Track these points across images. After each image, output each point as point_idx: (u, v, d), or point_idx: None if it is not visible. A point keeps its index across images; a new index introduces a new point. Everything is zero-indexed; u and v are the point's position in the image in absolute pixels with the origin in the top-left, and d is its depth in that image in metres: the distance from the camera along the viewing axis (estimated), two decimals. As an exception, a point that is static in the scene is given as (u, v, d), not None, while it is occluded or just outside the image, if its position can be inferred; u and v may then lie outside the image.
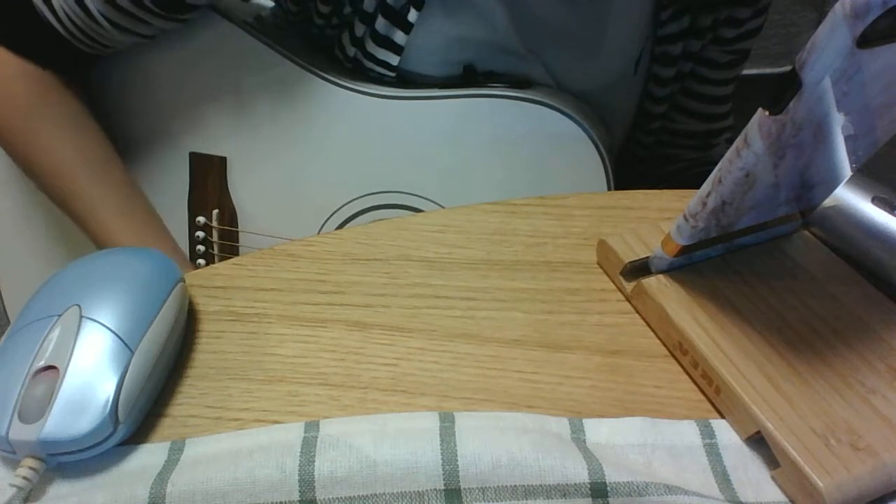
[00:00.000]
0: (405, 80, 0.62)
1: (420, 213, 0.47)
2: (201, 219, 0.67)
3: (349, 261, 0.42)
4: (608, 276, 0.41)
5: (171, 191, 0.66)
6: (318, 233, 0.65)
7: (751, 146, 0.30)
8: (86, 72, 0.62)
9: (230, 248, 0.69)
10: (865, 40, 0.26)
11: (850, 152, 0.34)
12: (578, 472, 0.30)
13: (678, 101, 0.71)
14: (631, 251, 0.39)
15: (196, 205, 0.67)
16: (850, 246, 0.39)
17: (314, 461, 0.30)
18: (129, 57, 0.62)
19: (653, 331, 0.38)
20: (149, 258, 0.37)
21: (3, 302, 0.71)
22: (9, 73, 0.55)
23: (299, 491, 0.30)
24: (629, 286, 0.39)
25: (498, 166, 0.61)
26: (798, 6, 1.42)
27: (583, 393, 0.35)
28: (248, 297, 0.39)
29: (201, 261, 0.69)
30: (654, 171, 0.77)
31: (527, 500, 0.30)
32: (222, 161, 0.65)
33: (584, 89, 0.64)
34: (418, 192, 0.63)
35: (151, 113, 0.65)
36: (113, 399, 0.31)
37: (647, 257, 0.39)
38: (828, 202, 0.39)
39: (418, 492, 0.30)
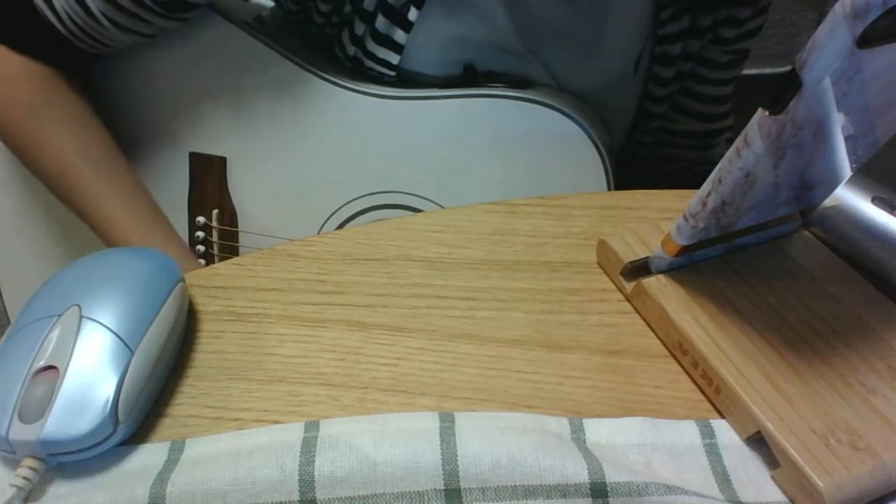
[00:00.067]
0: (405, 79, 0.62)
1: (420, 213, 0.47)
2: (201, 219, 0.67)
3: (349, 261, 0.42)
4: (608, 276, 0.41)
5: (171, 191, 0.66)
6: (318, 233, 0.65)
7: (751, 146, 0.30)
8: (88, 71, 0.62)
9: (230, 248, 0.69)
10: (865, 40, 0.26)
11: (850, 152, 0.34)
12: (578, 472, 0.30)
13: (678, 102, 0.71)
14: (631, 251, 0.39)
15: (196, 205, 0.67)
16: (850, 246, 0.39)
17: (314, 461, 0.30)
18: (130, 57, 0.62)
19: (653, 331, 0.38)
20: (149, 258, 0.37)
21: (3, 302, 0.71)
22: (11, 72, 0.55)
23: (299, 491, 0.30)
24: (629, 286, 0.39)
25: (498, 166, 0.61)
26: (798, 6, 1.42)
27: (583, 393, 0.35)
28: (248, 297, 0.39)
29: (201, 261, 0.69)
30: (653, 170, 0.77)
31: (527, 500, 0.30)
32: (222, 161, 0.65)
33: (584, 89, 0.64)
34: (418, 192, 0.63)
35: (151, 113, 0.65)
36: (113, 399, 0.31)
37: (647, 257, 0.39)
38: (828, 202, 0.39)
39: (418, 492, 0.30)
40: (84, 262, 0.36)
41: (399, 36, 0.58)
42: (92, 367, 0.31)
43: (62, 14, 0.54)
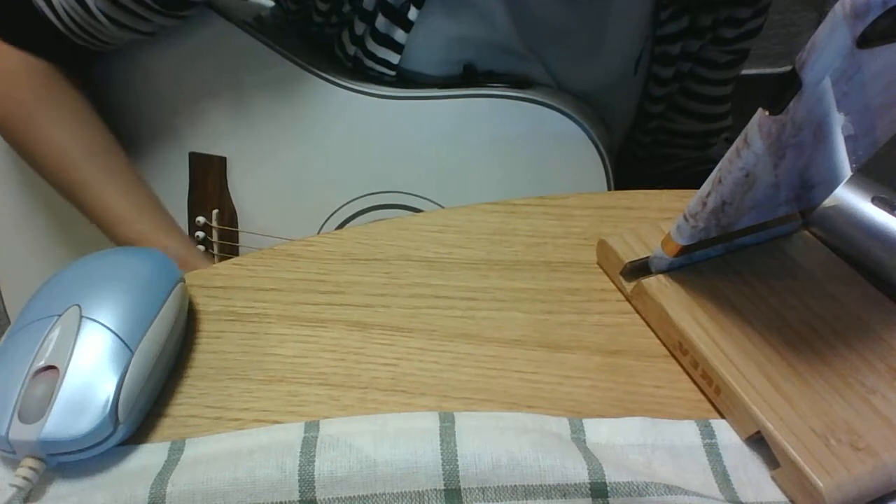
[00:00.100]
0: (405, 79, 0.62)
1: (420, 213, 0.47)
2: (201, 219, 0.67)
3: (349, 261, 0.42)
4: (608, 276, 0.41)
5: (171, 191, 0.66)
6: (318, 233, 0.65)
7: (751, 146, 0.30)
8: (87, 67, 0.62)
9: (230, 248, 0.69)
10: (865, 40, 0.26)
11: (850, 152, 0.34)
12: (578, 472, 0.30)
13: (677, 102, 0.71)
14: (631, 251, 0.39)
15: (196, 205, 0.67)
16: (850, 246, 0.39)
17: (314, 461, 0.30)
18: (130, 57, 0.62)
19: (653, 331, 0.38)
20: (149, 258, 0.37)
21: (3, 302, 0.71)
22: (10, 67, 0.55)
23: (299, 491, 0.30)
24: (629, 286, 0.39)
25: (498, 166, 0.61)
26: (798, 6, 1.42)
27: (583, 393, 0.35)
28: (248, 297, 0.39)
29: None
30: (652, 170, 0.77)
31: (527, 500, 0.30)
32: (222, 161, 0.65)
33: (584, 89, 0.64)
34: (418, 192, 0.63)
35: (151, 113, 0.65)
36: (113, 399, 0.31)
37: (647, 257, 0.39)
38: (828, 202, 0.39)
39: (418, 492, 0.30)
40: (84, 262, 0.36)
41: (399, 35, 0.58)
42: (92, 367, 0.31)
43: (60, 11, 0.54)
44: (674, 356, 0.37)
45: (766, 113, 0.29)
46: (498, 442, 0.31)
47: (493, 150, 0.61)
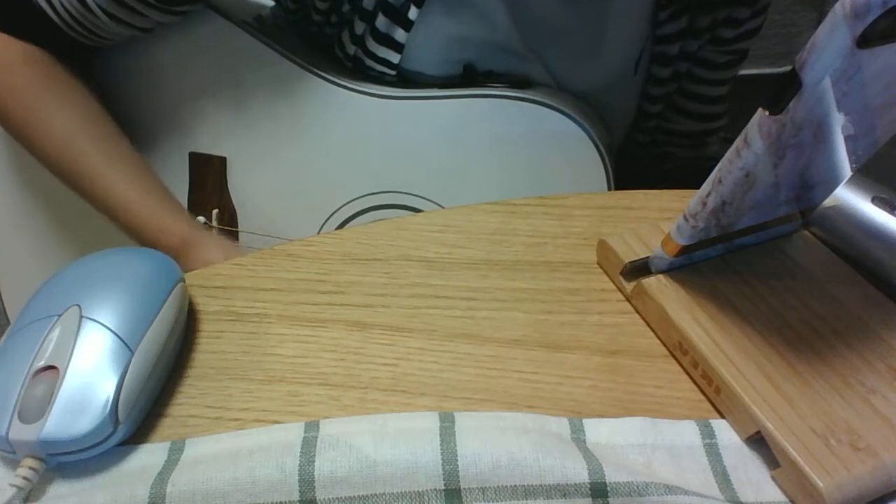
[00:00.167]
0: (405, 79, 0.62)
1: (420, 213, 0.47)
2: (201, 219, 0.67)
3: (349, 261, 0.42)
4: (608, 276, 0.41)
5: (170, 191, 0.66)
6: (318, 233, 0.65)
7: (751, 146, 0.30)
8: (87, 61, 0.62)
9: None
10: (865, 40, 0.26)
11: (850, 152, 0.34)
12: (578, 472, 0.30)
13: (674, 102, 0.71)
14: (631, 251, 0.39)
15: (196, 205, 0.67)
16: (850, 246, 0.39)
17: (314, 461, 0.30)
18: (129, 57, 0.62)
19: (653, 331, 0.38)
20: (149, 258, 0.37)
21: (2, 302, 0.71)
22: (9, 56, 0.55)
23: (299, 491, 0.30)
24: (629, 286, 0.39)
25: (498, 166, 0.61)
26: (798, 6, 1.42)
27: (583, 393, 0.35)
28: (248, 297, 0.39)
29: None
30: (651, 170, 0.77)
31: (527, 500, 0.30)
32: (222, 161, 0.65)
33: (584, 89, 0.64)
34: (418, 193, 0.63)
35: (150, 114, 0.65)
36: (113, 399, 0.31)
37: (647, 257, 0.39)
38: (828, 202, 0.39)
39: (418, 492, 0.30)
40: (84, 262, 0.36)
41: (399, 35, 0.58)
42: (92, 367, 0.31)
43: (57, 5, 0.54)
44: (674, 356, 0.37)
45: (766, 113, 0.29)
46: (498, 442, 0.31)
47: (493, 150, 0.61)
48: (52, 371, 0.31)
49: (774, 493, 0.31)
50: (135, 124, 0.65)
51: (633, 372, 0.36)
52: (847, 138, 0.32)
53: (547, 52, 0.62)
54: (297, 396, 0.34)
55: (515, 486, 0.30)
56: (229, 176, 0.66)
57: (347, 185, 0.64)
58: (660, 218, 0.44)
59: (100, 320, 0.32)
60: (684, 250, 0.37)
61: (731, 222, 0.36)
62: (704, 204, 0.33)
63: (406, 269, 0.41)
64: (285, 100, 0.62)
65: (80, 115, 0.57)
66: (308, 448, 0.31)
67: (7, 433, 0.30)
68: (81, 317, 0.32)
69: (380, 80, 0.62)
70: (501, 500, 0.30)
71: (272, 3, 0.70)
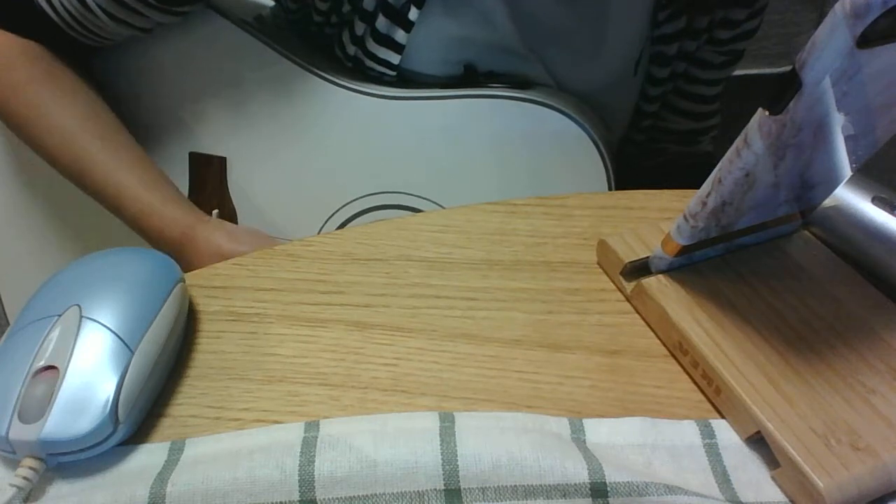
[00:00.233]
0: (405, 79, 0.62)
1: (420, 213, 0.47)
2: (201, 219, 0.67)
3: (349, 261, 0.42)
4: (608, 276, 0.41)
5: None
6: (319, 233, 0.65)
7: (751, 146, 0.30)
8: (86, 58, 0.62)
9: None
10: (865, 40, 0.26)
11: (850, 152, 0.34)
12: (578, 472, 0.30)
13: (670, 101, 0.71)
14: (631, 251, 0.39)
15: (196, 205, 0.67)
16: (850, 246, 0.39)
17: (314, 461, 0.30)
18: (128, 57, 0.62)
19: (653, 331, 0.38)
20: (149, 258, 0.37)
21: (2, 302, 0.71)
22: (12, 53, 0.55)
23: (299, 491, 0.30)
24: (629, 286, 0.39)
25: (498, 167, 0.61)
26: (798, 6, 1.42)
27: (583, 393, 0.35)
28: (248, 297, 0.39)
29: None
30: (643, 165, 0.77)
31: (527, 500, 0.30)
32: (222, 161, 0.65)
33: (584, 90, 0.64)
34: (418, 193, 0.63)
35: (150, 114, 0.65)
36: (113, 399, 0.31)
37: (647, 257, 0.39)
38: (828, 202, 0.39)
39: (418, 492, 0.30)
40: (84, 262, 0.36)
41: (400, 36, 0.58)
42: (92, 367, 0.31)
43: (58, 6, 0.54)
44: (674, 356, 0.37)
45: (766, 113, 0.29)
46: (498, 442, 0.31)
47: (493, 150, 0.61)
48: (52, 371, 0.31)
49: (774, 493, 0.31)
50: (135, 124, 0.65)
51: (633, 372, 0.36)
52: (847, 138, 0.32)
53: (547, 53, 0.62)
54: (297, 396, 0.34)
55: (515, 486, 0.30)
56: (229, 176, 0.66)
57: (348, 185, 0.63)
58: (660, 218, 0.44)
59: (100, 320, 0.32)
60: (684, 250, 0.37)
61: (731, 222, 0.36)
62: (704, 204, 0.33)
63: (406, 269, 0.41)
64: (285, 100, 0.62)
65: (82, 109, 0.57)
66: (308, 448, 0.31)
67: (7, 433, 0.30)
68: (81, 317, 0.32)
69: (380, 80, 0.62)
70: (501, 500, 0.30)
71: (272, 3, 0.70)
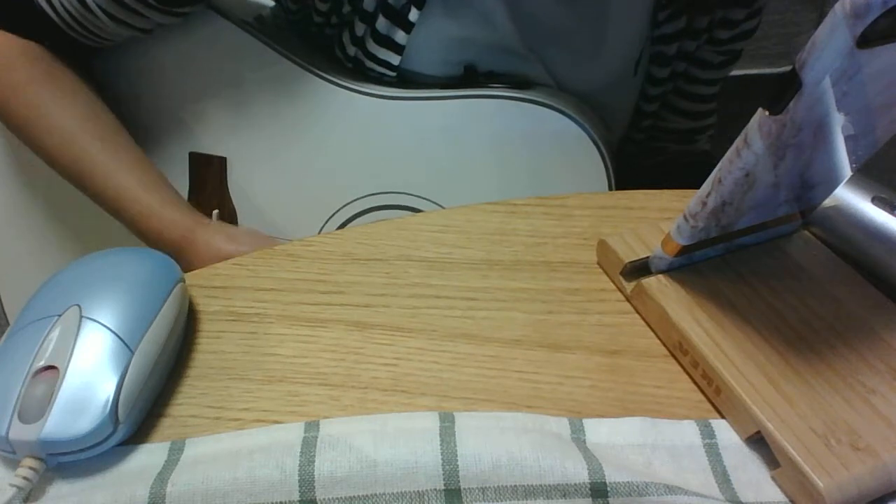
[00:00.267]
0: (406, 80, 0.62)
1: (420, 213, 0.47)
2: (201, 219, 0.67)
3: (349, 261, 0.42)
4: (608, 276, 0.41)
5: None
6: (319, 234, 0.65)
7: (751, 146, 0.30)
8: (86, 59, 0.62)
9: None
10: (865, 40, 0.26)
11: (850, 152, 0.34)
12: (578, 472, 0.30)
13: (669, 100, 0.71)
14: (631, 251, 0.39)
15: (196, 205, 0.67)
16: (850, 246, 0.39)
17: (314, 461, 0.30)
18: (129, 57, 0.62)
19: (653, 331, 0.38)
20: (149, 258, 0.37)
21: (2, 302, 0.71)
22: (12, 54, 0.55)
23: (299, 491, 0.30)
24: (629, 286, 0.39)
25: (498, 167, 0.61)
26: (798, 6, 1.42)
27: (583, 393, 0.35)
28: (248, 297, 0.39)
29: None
30: (642, 163, 0.77)
31: (527, 500, 0.30)
32: (222, 161, 0.65)
33: (584, 90, 0.64)
34: (419, 193, 0.63)
35: (150, 114, 0.65)
36: (113, 399, 0.31)
37: (647, 257, 0.39)
38: (828, 202, 0.39)
39: (418, 492, 0.30)
40: (84, 262, 0.36)
41: (400, 37, 0.58)
42: (92, 367, 0.31)
43: (58, 6, 0.54)
44: (674, 356, 0.37)
45: (766, 113, 0.29)
46: (498, 442, 0.31)
47: (493, 150, 0.61)
48: (52, 371, 0.31)
49: (774, 493, 0.31)
50: (135, 124, 0.65)
51: (633, 372, 0.36)
52: (847, 138, 0.32)
53: (547, 53, 0.62)
54: (297, 396, 0.34)
55: (515, 485, 0.30)
56: (230, 176, 0.66)
57: (348, 185, 0.63)
58: (660, 218, 0.44)
59: (100, 320, 0.32)
60: (684, 250, 0.37)
61: (731, 222, 0.36)
62: (704, 204, 0.33)
63: (406, 269, 0.41)
64: (286, 100, 0.62)
65: (82, 110, 0.57)
66: (308, 448, 0.31)
67: (7, 433, 0.30)
68: (81, 317, 0.32)
69: (380, 80, 0.62)
70: (501, 500, 0.30)
71: (272, 3, 0.70)
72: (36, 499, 0.30)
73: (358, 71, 0.62)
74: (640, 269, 0.39)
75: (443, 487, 0.30)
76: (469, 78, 0.62)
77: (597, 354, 0.37)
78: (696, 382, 0.35)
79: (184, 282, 0.37)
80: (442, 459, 0.30)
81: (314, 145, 0.63)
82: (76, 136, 0.56)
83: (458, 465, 0.30)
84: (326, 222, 0.65)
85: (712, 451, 0.32)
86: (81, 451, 0.30)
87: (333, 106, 0.61)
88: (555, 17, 0.59)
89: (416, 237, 0.43)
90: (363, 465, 0.30)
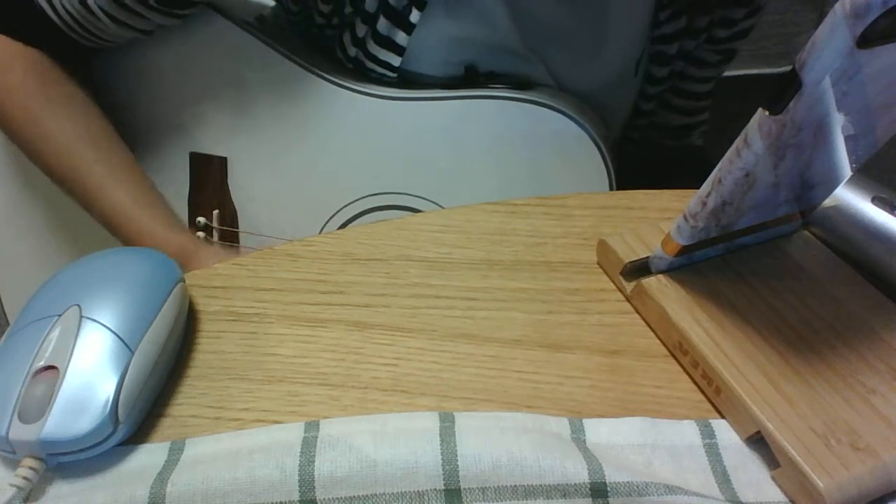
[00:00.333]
0: (406, 80, 0.62)
1: (420, 213, 0.47)
2: (201, 219, 0.67)
3: (349, 261, 0.42)
4: (608, 276, 0.41)
5: (171, 191, 0.66)
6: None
7: (751, 146, 0.30)
8: (86, 62, 0.62)
9: (230, 248, 0.69)
10: (865, 40, 0.26)
11: (850, 152, 0.34)
12: (578, 472, 0.30)
13: (665, 98, 0.72)
14: (631, 251, 0.39)
15: (196, 205, 0.67)
16: (850, 246, 0.39)
17: (314, 461, 0.30)
18: (130, 57, 0.62)
19: (653, 331, 0.38)
20: (149, 258, 0.37)
21: (2, 302, 0.71)
22: (10, 59, 0.55)
23: (299, 491, 0.30)
24: (629, 286, 0.39)
25: (499, 167, 0.61)
26: (798, 6, 1.42)
27: (583, 393, 0.35)
28: (248, 297, 0.39)
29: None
30: (635, 159, 0.78)
31: (527, 500, 0.30)
32: (222, 161, 0.65)
33: (585, 90, 0.64)
34: (419, 193, 0.63)
35: (151, 114, 0.65)
36: (113, 399, 0.31)
37: (647, 257, 0.39)
38: (828, 202, 0.39)
39: (418, 492, 0.30)
40: (84, 262, 0.36)
41: (400, 38, 0.58)
42: (92, 367, 0.31)
43: (58, 6, 0.54)
44: (674, 356, 0.37)
45: (766, 113, 0.29)
46: (498, 442, 0.31)
47: (494, 150, 0.61)
48: (52, 371, 0.31)
49: (774, 493, 0.31)
50: (136, 125, 0.65)
51: (633, 372, 0.36)
52: (847, 138, 0.32)
53: (547, 53, 0.62)
54: (297, 396, 0.34)
55: (515, 486, 0.30)
56: (231, 176, 0.66)
57: (349, 186, 0.63)
58: (660, 218, 0.44)
59: (100, 320, 0.32)
60: (684, 250, 0.37)
61: (731, 222, 0.36)
62: (704, 204, 0.33)
63: (406, 269, 0.41)
64: (287, 100, 0.62)
65: (77, 116, 0.57)
66: (308, 448, 0.31)
67: (7, 433, 0.30)
68: (81, 317, 0.32)
69: (380, 81, 0.62)
70: (501, 500, 0.30)
71: (273, 4, 0.70)
72: (36, 499, 0.30)
73: (358, 71, 0.62)
74: (640, 269, 0.39)
75: (443, 487, 0.30)
76: (470, 78, 0.62)
77: (597, 354, 0.37)
78: (696, 382, 0.35)
79: (184, 282, 0.37)
80: (442, 459, 0.30)
81: (315, 146, 0.63)
82: (71, 148, 0.56)
83: (458, 465, 0.30)
84: (327, 222, 0.65)
85: (712, 451, 0.32)
86: (81, 451, 0.30)
87: (334, 106, 0.61)
88: (555, 18, 0.59)
89: (416, 237, 0.43)
90: (363, 465, 0.30)
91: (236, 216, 0.67)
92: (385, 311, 0.39)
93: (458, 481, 0.30)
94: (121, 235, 0.57)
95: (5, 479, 0.30)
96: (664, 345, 0.37)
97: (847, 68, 0.27)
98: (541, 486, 0.30)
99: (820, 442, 0.30)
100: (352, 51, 0.61)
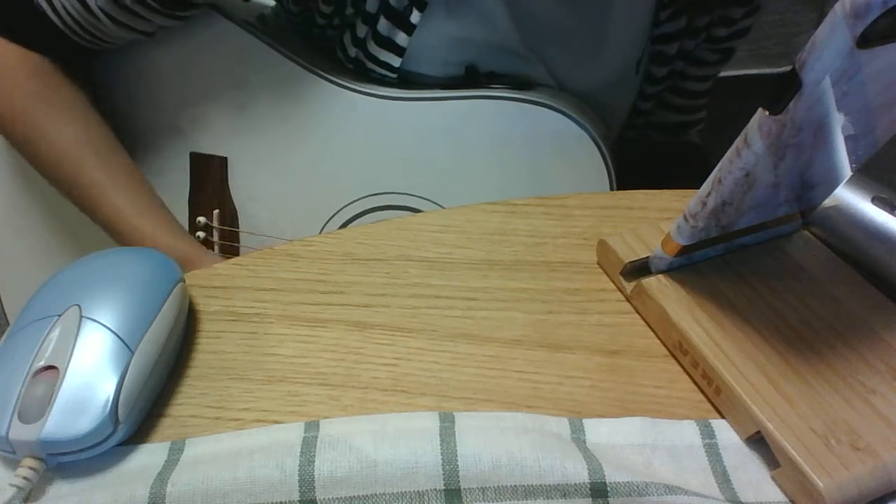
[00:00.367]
0: (407, 80, 0.62)
1: (420, 213, 0.47)
2: (202, 219, 0.67)
3: (349, 261, 0.42)
4: (608, 276, 0.41)
5: (171, 191, 0.66)
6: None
7: (751, 146, 0.30)
8: (87, 65, 0.62)
9: (230, 248, 0.69)
10: (865, 40, 0.26)
11: (850, 152, 0.34)
12: (578, 472, 0.30)
13: (662, 97, 0.72)
14: (631, 251, 0.39)
15: (197, 205, 0.67)
16: (850, 246, 0.39)
17: (314, 461, 0.30)
18: (131, 57, 0.62)
19: (653, 331, 0.38)
20: (149, 258, 0.37)
21: (2, 302, 0.71)
22: (9, 61, 0.55)
23: (299, 491, 0.30)
24: (629, 286, 0.39)
25: (499, 167, 0.61)
26: (798, 6, 1.42)
27: (583, 393, 0.35)
28: (248, 297, 0.39)
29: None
30: (631, 156, 0.78)
31: (527, 500, 0.30)
32: (223, 161, 0.65)
33: (585, 90, 0.64)
34: (420, 193, 0.63)
35: (152, 114, 0.65)
36: (113, 399, 0.31)
37: (647, 257, 0.39)
38: (828, 202, 0.39)
39: (418, 492, 0.30)
40: (84, 262, 0.36)
41: (401, 38, 0.58)
42: (92, 367, 0.31)
43: (59, 8, 0.54)
44: (674, 356, 0.37)
45: (766, 113, 0.29)
46: (498, 442, 0.31)
47: (494, 151, 0.61)
48: (52, 371, 0.31)
49: (774, 493, 0.31)
50: (136, 125, 0.65)
51: (633, 372, 0.36)
52: (847, 138, 0.32)
53: (548, 53, 0.62)
54: (297, 396, 0.34)
55: (515, 486, 0.30)
56: (231, 176, 0.66)
57: (349, 186, 0.64)
58: (660, 218, 0.44)
59: (100, 320, 0.32)
60: (684, 250, 0.37)
61: (731, 222, 0.36)
62: (704, 204, 0.33)
63: (406, 269, 0.41)
64: (287, 100, 0.62)
65: (78, 122, 0.57)
66: (308, 448, 0.31)
67: (7, 433, 0.30)
68: (81, 317, 0.32)
69: (381, 81, 0.62)
70: (501, 500, 0.30)
71: (273, 4, 0.70)
72: (36, 499, 0.30)
73: (359, 72, 0.62)
74: (640, 269, 0.39)
75: (443, 487, 0.30)
76: (470, 78, 0.62)
77: (597, 354, 0.37)
78: (696, 382, 0.35)
79: (184, 282, 0.37)
80: (442, 459, 0.30)
81: (315, 146, 0.63)
82: (71, 154, 0.56)
83: (458, 465, 0.30)
84: (327, 222, 0.65)
85: (712, 451, 0.32)
86: (81, 451, 0.30)
87: (335, 106, 0.61)
88: (555, 18, 0.59)
89: (416, 237, 0.43)
90: (363, 465, 0.30)
91: (236, 216, 0.67)
92: (385, 311, 0.39)
93: (458, 481, 0.30)
94: (123, 242, 0.57)
95: (5, 479, 0.30)
96: (664, 345, 0.37)
97: (847, 68, 0.27)
98: (541, 486, 0.30)
99: (820, 442, 0.30)
100: (352, 51, 0.61)
